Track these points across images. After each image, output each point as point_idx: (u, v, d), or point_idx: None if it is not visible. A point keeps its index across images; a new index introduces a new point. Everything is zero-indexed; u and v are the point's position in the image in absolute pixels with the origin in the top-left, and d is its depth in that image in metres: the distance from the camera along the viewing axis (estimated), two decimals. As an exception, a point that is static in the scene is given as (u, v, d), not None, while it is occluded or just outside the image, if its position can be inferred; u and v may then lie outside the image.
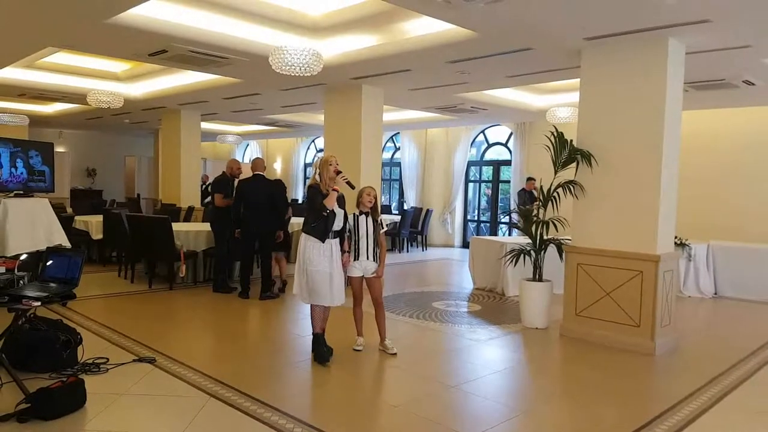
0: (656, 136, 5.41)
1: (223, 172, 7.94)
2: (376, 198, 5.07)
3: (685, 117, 5.96)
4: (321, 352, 4.87)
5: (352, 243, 5.03)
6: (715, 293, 8.47)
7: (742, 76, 6.98)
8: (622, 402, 4.22)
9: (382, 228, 5.16)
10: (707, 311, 7.75)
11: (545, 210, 6.16)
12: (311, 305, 4.90)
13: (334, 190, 4.76)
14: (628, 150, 5.57)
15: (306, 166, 18.59)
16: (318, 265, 4.75)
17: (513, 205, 12.57)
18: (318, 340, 4.92)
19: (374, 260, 5.08)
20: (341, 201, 4.92)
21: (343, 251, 4.97)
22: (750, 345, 5.77)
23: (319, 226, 4.77)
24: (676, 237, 6.15)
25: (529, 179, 11.20)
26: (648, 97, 5.45)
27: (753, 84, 7.34)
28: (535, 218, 6.23)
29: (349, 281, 5.12)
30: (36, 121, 14.51)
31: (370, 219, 5.04)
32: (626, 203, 5.59)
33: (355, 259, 5.04)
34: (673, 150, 5.58)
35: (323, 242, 4.76)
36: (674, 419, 3.85)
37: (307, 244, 4.80)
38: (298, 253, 4.89)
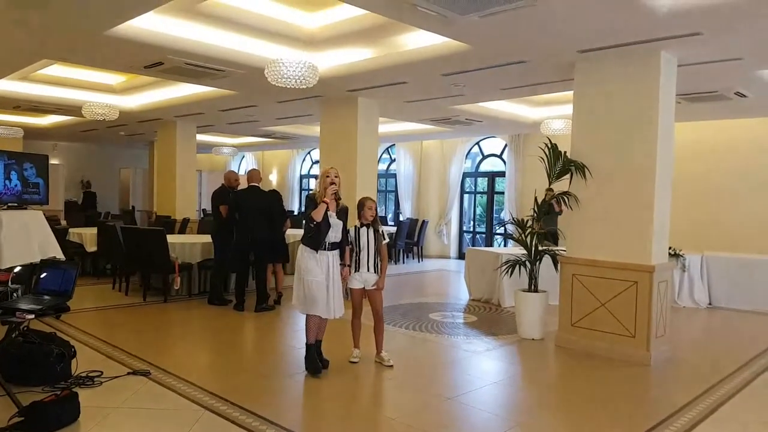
0: (649, 147, 5.45)
1: (222, 184, 7.94)
2: (376, 209, 5.10)
3: (677, 129, 6.00)
4: (314, 363, 4.85)
5: (353, 255, 5.03)
6: (710, 303, 8.49)
7: (734, 88, 7.05)
8: (618, 413, 4.22)
9: (384, 239, 5.15)
10: (702, 321, 7.77)
11: (540, 222, 6.18)
12: (306, 315, 4.88)
13: (323, 202, 4.74)
14: (622, 161, 5.61)
15: (302, 177, 18.60)
16: (314, 274, 4.74)
17: (508, 216, 12.60)
18: (311, 351, 4.91)
19: (375, 272, 5.07)
20: (342, 213, 4.93)
21: (342, 264, 4.97)
22: (744, 355, 5.78)
23: (313, 236, 4.78)
24: (670, 248, 6.18)
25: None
26: (641, 108, 5.49)
27: (745, 96, 7.41)
28: (529, 229, 6.25)
29: (349, 293, 5.12)
30: (30, 133, 14.48)
31: (371, 230, 5.05)
32: (620, 214, 5.62)
33: (355, 271, 5.04)
34: (667, 161, 5.62)
35: (317, 252, 4.76)
36: (669, 430, 3.85)
37: (304, 254, 4.81)
38: (296, 264, 4.90)
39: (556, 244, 6.26)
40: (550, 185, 6.00)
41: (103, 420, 3.75)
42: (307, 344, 4.93)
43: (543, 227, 6.20)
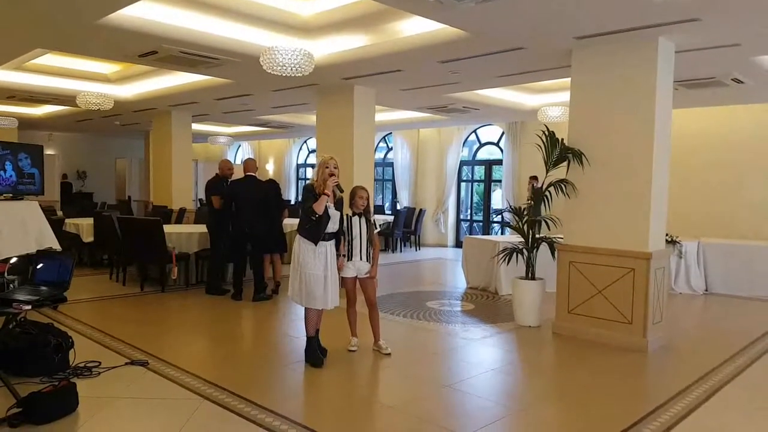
0: (647, 134, 5.44)
1: (216, 173, 7.90)
2: (368, 198, 5.06)
3: (675, 115, 5.99)
4: (315, 356, 4.83)
5: (346, 244, 5.02)
6: (706, 290, 8.52)
7: (732, 74, 7.02)
8: (615, 399, 4.24)
9: (375, 228, 5.14)
10: (698, 308, 7.80)
11: (537, 209, 6.18)
12: (305, 308, 4.86)
13: (325, 194, 4.64)
14: (619, 148, 5.60)
15: (299, 167, 18.56)
16: (313, 268, 4.70)
17: (505, 204, 12.60)
18: (311, 343, 4.89)
19: (367, 261, 5.07)
20: (339, 203, 4.86)
21: (339, 254, 4.95)
22: (741, 341, 5.81)
23: (312, 228, 4.70)
24: (667, 234, 6.19)
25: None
26: (638, 95, 5.47)
27: (742, 82, 7.39)
28: (527, 216, 6.25)
29: (342, 282, 5.11)
30: (25, 123, 14.41)
31: (363, 219, 5.03)
32: (618, 201, 5.61)
33: (348, 260, 5.03)
34: (664, 148, 5.61)
35: (316, 245, 4.72)
36: (666, 416, 3.87)
37: (301, 246, 4.74)
38: (293, 255, 4.84)
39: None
40: (547, 173, 5.99)
41: (102, 410, 3.76)
42: (307, 337, 4.91)
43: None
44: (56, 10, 5.30)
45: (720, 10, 4.72)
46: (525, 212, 6.32)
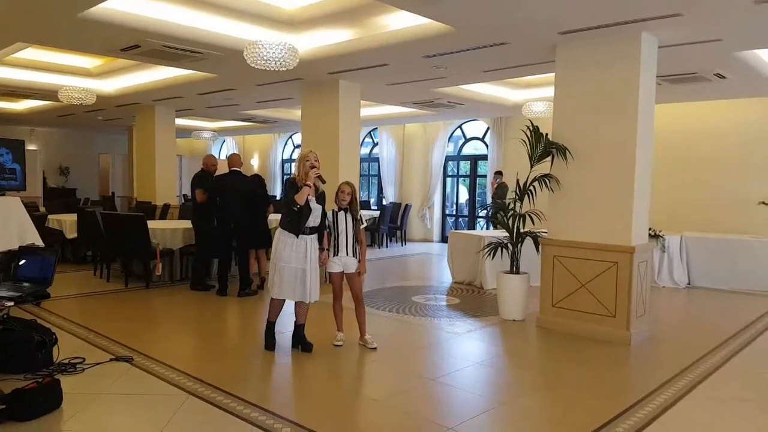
0: (630, 129, 5.48)
1: (202, 168, 7.85)
2: (353, 194, 5.07)
3: (657, 110, 6.05)
4: (270, 339, 5.05)
5: (332, 239, 5.03)
6: (689, 283, 8.63)
7: (714, 69, 7.10)
8: (599, 391, 4.29)
9: (362, 224, 5.15)
10: (681, 301, 7.90)
11: (521, 203, 6.22)
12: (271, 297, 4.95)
13: (306, 185, 4.72)
14: (603, 143, 5.64)
15: (284, 162, 18.49)
16: (287, 260, 4.76)
17: (489, 199, 12.67)
18: (270, 328, 5.07)
19: (354, 256, 5.07)
20: (321, 198, 4.91)
21: (321, 249, 4.97)
22: (723, 334, 5.90)
23: (293, 221, 4.76)
24: (650, 229, 6.25)
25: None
26: (621, 90, 5.52)
27: (724, 77, 7.47)
28: (511, 211, 6.29)
29: (329, 277, 5.13)
30: (6, 118, 14.22)
31: (349, 215, 5.04)
32: (601, 196, 5.66)
33: (334, 255, 5.04)
34: (647, 142, 5.66)
35: (297, 237, 4.76)
36: (650, 407, 3.92)
37: (280, 239, 4.81)
38: (272, 248, 4.91)
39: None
40: (531, 168, 6.03)
41: (86, 406, 3.73)
42: (267, 321, 5.09)
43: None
44: (37, 3, 5.23)
45: (702, 5, 4.77)
46: (510, 207, 6.35)
